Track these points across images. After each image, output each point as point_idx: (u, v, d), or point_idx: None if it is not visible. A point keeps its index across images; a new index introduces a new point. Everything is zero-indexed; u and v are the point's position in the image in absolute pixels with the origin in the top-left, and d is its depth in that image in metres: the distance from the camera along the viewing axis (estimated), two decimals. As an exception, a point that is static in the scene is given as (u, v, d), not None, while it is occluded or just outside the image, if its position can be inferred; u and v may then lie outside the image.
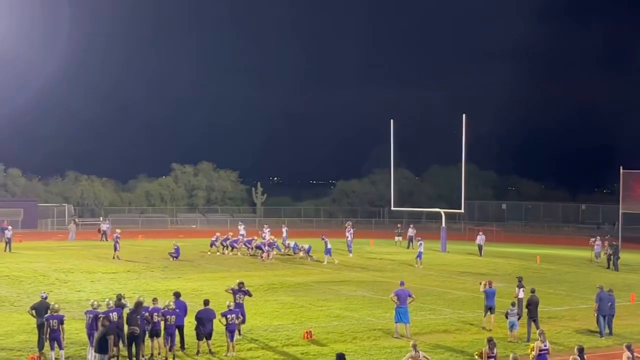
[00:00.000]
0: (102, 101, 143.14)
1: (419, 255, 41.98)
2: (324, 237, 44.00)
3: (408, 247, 51.82)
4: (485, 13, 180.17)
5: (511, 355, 16.60)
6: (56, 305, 20.19)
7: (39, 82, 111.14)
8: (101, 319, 18.77)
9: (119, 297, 21.65)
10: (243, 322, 22.59)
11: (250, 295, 23.87)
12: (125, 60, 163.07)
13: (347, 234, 48.38)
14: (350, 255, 46.18)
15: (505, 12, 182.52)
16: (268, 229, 49.69)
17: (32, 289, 30.77)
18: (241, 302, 23.11)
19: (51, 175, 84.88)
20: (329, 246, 42.73)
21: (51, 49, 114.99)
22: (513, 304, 23.71)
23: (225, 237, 46.80)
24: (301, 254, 44.27)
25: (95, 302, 20.64)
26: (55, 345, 19.47)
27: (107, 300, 21.03)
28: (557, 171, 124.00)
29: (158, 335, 20.17)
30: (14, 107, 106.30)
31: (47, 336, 19.57)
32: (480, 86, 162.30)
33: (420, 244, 42.94)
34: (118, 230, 45.59)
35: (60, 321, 19.65)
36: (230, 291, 23.56)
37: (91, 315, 19.84)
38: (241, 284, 23.76)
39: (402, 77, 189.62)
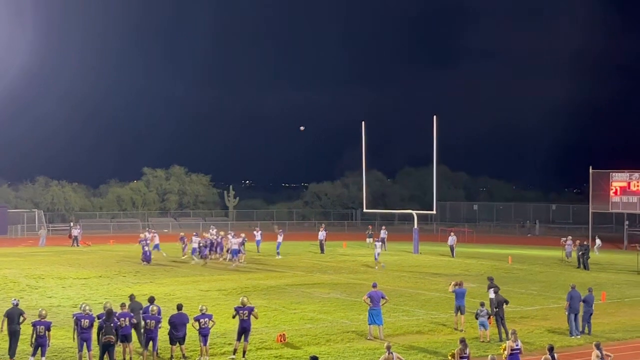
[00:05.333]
0: (72, 105, 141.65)
1: (376, 257, 42.66)
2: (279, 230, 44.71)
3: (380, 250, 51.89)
4: (457, 12, 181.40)
5: (489, 356, 16.81)
6: (43, 312, 20.01)
7: (4, 84, 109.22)
8: None
9: (131, 298, 22.03)
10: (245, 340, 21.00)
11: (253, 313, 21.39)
12: (96, 64, 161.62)
13: (321, 236, 48.58)
14: (323, 253, 46.58)
15: (479, 12, 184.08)
16: (215, 230, 47.58)
17: (2, 295, 30.40)
18: (245, 318, 20.96)
19: (21, 181, 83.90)
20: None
21: (17, 49, 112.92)
22: (482, 304, 23.78)
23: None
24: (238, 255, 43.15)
25: (87, 306, 20.36)
26: (38, 352, 19.31)
27: (82, 304, 20.84)
28: (528, 172, 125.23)
29: (129, 341, 20.05)
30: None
31: (33, 342, 19.39)
32: (451, 87, 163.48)
33: (377, 244, 44.15)
34: (150, 235, 44.50)
35: (47, 327, 19.48)
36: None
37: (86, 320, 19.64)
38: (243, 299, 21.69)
39: (374, 78, 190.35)
